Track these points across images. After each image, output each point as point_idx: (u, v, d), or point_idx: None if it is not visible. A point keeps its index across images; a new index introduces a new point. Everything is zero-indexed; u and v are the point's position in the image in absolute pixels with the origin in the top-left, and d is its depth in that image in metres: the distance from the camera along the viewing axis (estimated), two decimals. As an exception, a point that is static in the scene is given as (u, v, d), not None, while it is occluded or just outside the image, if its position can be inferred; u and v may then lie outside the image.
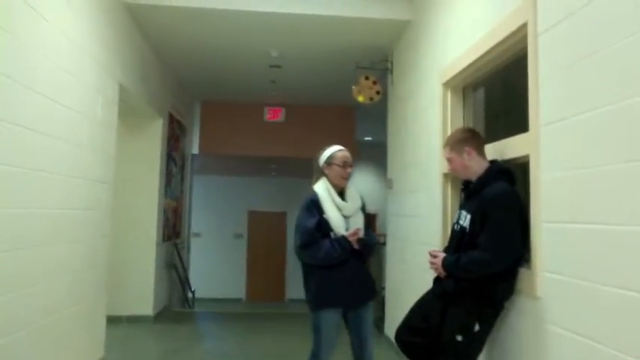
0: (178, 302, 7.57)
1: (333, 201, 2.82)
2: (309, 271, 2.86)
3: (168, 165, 6.42)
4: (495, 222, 2.28)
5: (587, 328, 1.86)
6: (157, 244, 5.90)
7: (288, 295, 12.54)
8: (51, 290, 3.09)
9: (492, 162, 2.54)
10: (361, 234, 2.81)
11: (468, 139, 2.56)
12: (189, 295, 8.25)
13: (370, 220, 3.07)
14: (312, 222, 2.76)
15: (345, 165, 2.88)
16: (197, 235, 10.85)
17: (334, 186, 2.88)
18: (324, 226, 2.77)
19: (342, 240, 2.75)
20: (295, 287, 11.97)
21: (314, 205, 2.81)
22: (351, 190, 2.95)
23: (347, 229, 2.79)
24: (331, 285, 2.77)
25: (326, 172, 2.92)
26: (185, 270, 7.96)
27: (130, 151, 5.62)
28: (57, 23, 3.05)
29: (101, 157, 3.93)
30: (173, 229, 6.96)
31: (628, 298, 1.66)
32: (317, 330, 2.79)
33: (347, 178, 2.90)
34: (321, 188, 2.87)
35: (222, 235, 12.57)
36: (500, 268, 2.27)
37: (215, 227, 12.36)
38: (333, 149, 2.96)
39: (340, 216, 2.81)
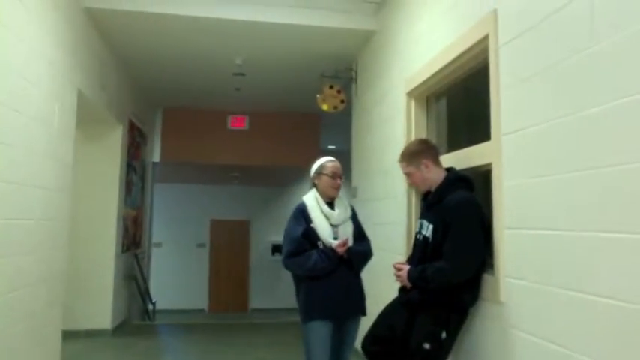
0: (138, 315, 7.36)
1: (321, 210, 2.82)
2: (298, 282, 2.84)
3: (128, 173, 6.26)
4: (457, 231, 2.31)
5: (550, 332, 1.91)
6: (116, 255, 5.73)
7: (252, 305, 12.40)
8: (2, 304, 2.94)
9: (448, 170, 2.58)
10: (350, 243, 2.79)
11: (424, 151, 2.58)
12: (150, 306, 8.03)
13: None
14: (298, 231, 2.75)
15: (334, 176, 2.88)
16: (158, 244, 10.61)
17: (323, 196, 2.88)
18: (311, 235, 2.75)
19: (330, 251, 2.72)
20: (259, 297, 11.97)
21: (301, 215, 2.81)
22: (341, 201, 2.95)
23: (336, 238, 2.77)
24: (319, 296, 2.73)
25: (316, 182, 2.92)
26: (145, 281, 7.76)
27: (88, 159, 5.46)
28: (12, 26, 2.93)
29: (58, 166, 3.79)
30: (133, 239, 6.78)
31: (586, 301, 1.72)
32: (306, 342, 2.75)
33: (337, 188, 2.90)
34: (310, 198, 2.88)
35: (183, 245, 12.32)
36: (466, 276, 2.30)
37: (177, 236, 12.12)
38: (324, 160, 2.97)
39: (328, 225, 2.79)
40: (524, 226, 2.11)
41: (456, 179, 2.48)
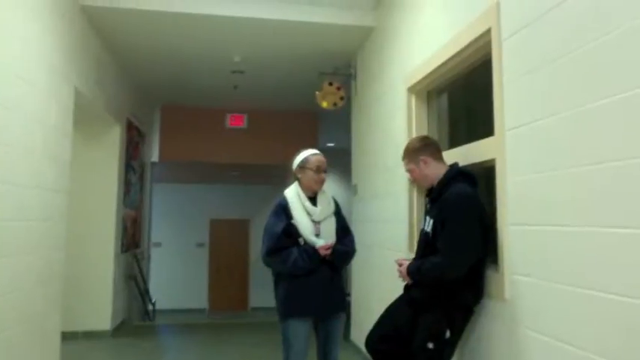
0: (138, 315, 7.32)
1: (303, 205, 2.74)
2: (277, 278, 2.79)
3: (126, 173, 6.22)
4: (451, 225, 2.28)
5: (557, 330, 1.88)
6: (115, 256, 5.69)
7: (252, 304, 12.38)
8: (1, 306, 2.91)
9: (452, 166, 2.55)
10: (333, 240, 2.73)
11: (422, 147, 2.58)
12: (150, 307, 8.00)
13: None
14: (279, 227, 2.68)
15: (318, 169, 2.80)
16: (157, 244, 10.60)
17: (306, 190, 2.80)
18: (292, 231, 2.69)
19: (312, 252, 2.66)
20: (259, 296, 11.93)
21: (282, 210, 2.74)
22: (324, 195, 2.86)
23: (317, 235, 2.72)
24: (299, 294, 2.69)
25: (299, 175, 2.83)
26: (145, 281, 7.72)
27: (86, 159, 5.42)
28: (6, 24, 2.89)
29: (56, 166, 3.75)
30: (132, 240, 6.74)
31: (594, 298, 1.68)
32: (285, 340, 2.71)
33: (321, 182, 2.82)
34: (292, 193, 2.80)
35: (183, 245, 12.31)
36: (460, 271, 2.25)
37: (176, 236, 12.11)
38: (308, 153, 2.87)
39: (309, 221, 2.72)
40: (529, 222, 2.08)
41: (455, 174, 2.46)
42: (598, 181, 1.69)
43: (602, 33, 1.68)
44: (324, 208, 2.80)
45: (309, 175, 2.80)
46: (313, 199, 2.80)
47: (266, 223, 2.76)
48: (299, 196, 2.77)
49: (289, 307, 2.70)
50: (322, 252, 2.66)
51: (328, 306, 2.76)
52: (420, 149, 2.57)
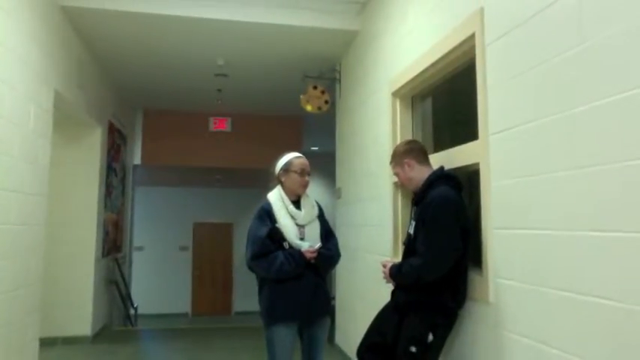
0: (119, 320, 7.21)
1: (287, 209, 2.72)
2: (262, 283, 2.76)
3: (108, 176, 6.13)
4: (429, 227, 2.30)
5: (540, 333, 1.89)
6: (96, 260, 5.60)
7: (236, 309, 12.29)
8: (-23, 313, 2.84)
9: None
10: (318, 245, 2.71)
11: (407, 151, 2.61)
12: (132, 311, 7.89)
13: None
14: (263, 231, 2.65)
15: (303, 172, 2.78)
16: (140, 248, 10.46)
17: (290, 194, 2.79)
18: (277, 235, 2.67)
19: (297, 255, 2.64)
20: (242, 300, 11.85)
21: (266, 214, 2.71)
22: (308, 199, 2.85)
23: (302, 239, 2.70)
24: (284, 299, 2.66)
25: (282, 179, 2.81)
26: (127, 285, 7.62)
27: (67, 162, 5.33)
28: (-16, 24, 2.83)
29: (34, 169, 3.67)
30: (114, 243, 6.64)
31: (578, 301, 1.70)
32: (270, 345, 2.68)
33: (305, 186, 2.81)
34: (275, 197, 2.77)
35: (166, 248, 12.17)
36: (438, 273, 2.26)
37: (159, 240, 11.96)
38: (291, 156, 2.85)
39: (294, 225, 2.70)
40: (513, 226, 2.09)
41: (438, 177, 2.47)
42: (580, 185, 1.70)
43: (583, 39, 1.70)
44: (308, 211, 2.79)
45: (294, 178, 2.78)
46: (297, 203, 2.79)
47: (249, 228, 2.73)
48: (282, 199, 2.75)
49: (274, 312, 2.67)
50: (308, 255, 2.64)
51: (313, 311, 2.74)
52: (404, 153, 2.60)
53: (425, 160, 2.60)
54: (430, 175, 2.49)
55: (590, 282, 1.65)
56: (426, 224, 2.31)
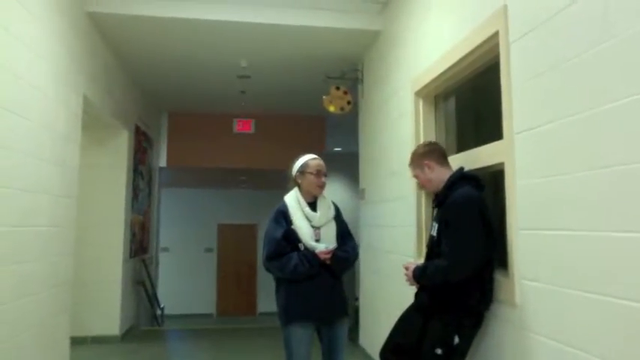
0: (147, 320, 7.34)
1: (302, 211, 2.74)
2: (278, 283, 2.78)
3: (134, 179, 6.24)
4: (453, 228, 2.28)
5: (569, 335, 1.85)
6: (123, 261, 5.71)
7: (260, 309, 12.37)
8: (10, 312, 2.92)
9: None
10: (333, 246, 2.70)
11: (426, 153, 2.59)
12: (158, 312, 8.02)
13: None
14: (279, 232, 2.68)
15: (319, 173, 2.80)
16: (166, 250, 10.63)
17: (306, 195, 2.80)
18: (292, 236, 2.68)
19: (312, 256, 2.64)
20: (267, 301, 11.90)
21: (282, 216, 2.74)
22: (324, 200, 2.86)
23: (317, 240, 2.70)
24: (299, 299, 2.67)
25: (299, 181, 2.83)
26: (153, 286, 7.74)
27: (95, 164, 5.45)
28: (16, 32, 2.91)
29: (64, 171, 3.77)
30: (140, 245, 6.76)
31: (604, 302, 1.66)
32: (287, 345, 2.69)
33: (322, 187, 2.82)
34: (291, 198, 2.80)
35: (191, 250, 12.34)
36: (464, 274, 2.23)
37: (184, 241, 12.14)
38: (307, 157, 2.87)
39: (309, 226, 2.71)
40: (538, 227, 2.05)
41: (459, 178, 2.44)
42: (607, 185, 1.66)
43: (611, 34, 1.66)
44: (323, 213, 2.79)
45: (310, 180, 2.80)
46: (313, 205, 2.80)
47: (266, 229, 2.77)
48: (298, 201, 2.77)
49: (290, 312, 2.68)
50: (322, 256, 2.64)
51: (329, 311, 2.74)
52: (424, 154, 2.59)
53: (445, 162, 2.58)
54: (451, 177, 2.47)
55: (618, 284, 1.61)
56: (450, 225, 2.29)
